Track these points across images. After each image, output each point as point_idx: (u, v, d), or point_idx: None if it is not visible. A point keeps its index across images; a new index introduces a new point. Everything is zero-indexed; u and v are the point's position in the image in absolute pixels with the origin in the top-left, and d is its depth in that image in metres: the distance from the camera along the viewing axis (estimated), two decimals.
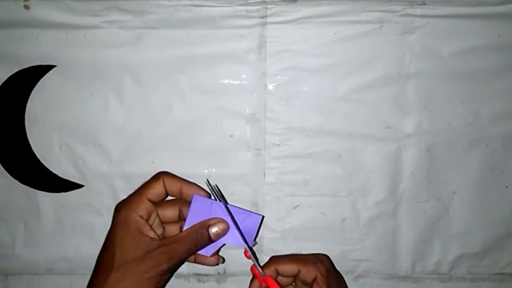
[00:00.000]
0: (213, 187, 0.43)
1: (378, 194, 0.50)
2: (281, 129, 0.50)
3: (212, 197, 0.43)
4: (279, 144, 0.50)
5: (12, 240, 0.51)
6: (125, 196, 0.42)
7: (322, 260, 0.43)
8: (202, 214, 0.42)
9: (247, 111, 0.50)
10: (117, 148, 0.50)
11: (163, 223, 0.43)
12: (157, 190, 0.41)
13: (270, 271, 0.42)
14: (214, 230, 0.41)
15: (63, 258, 0.51)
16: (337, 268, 0.47)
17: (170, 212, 0.43)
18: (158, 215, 0.42)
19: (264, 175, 0.50)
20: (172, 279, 0.51)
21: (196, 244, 0.41)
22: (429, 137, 0.50)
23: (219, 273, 0.51)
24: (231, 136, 0.50)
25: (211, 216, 0.42)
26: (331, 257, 0.45)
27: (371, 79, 0.50)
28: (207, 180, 0.43)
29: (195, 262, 0.45)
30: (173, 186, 0.42)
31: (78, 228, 0.51)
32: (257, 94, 0.50)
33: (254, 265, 0.42)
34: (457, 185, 0.50)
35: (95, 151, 0.50)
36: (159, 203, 0.42)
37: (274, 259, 0.43)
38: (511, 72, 0.50)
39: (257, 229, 0.44)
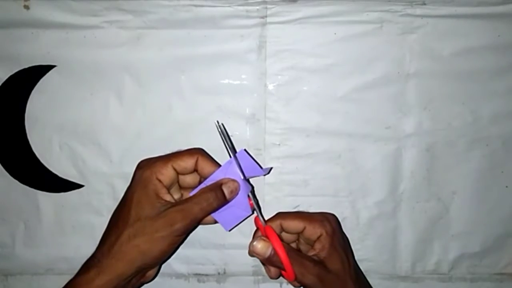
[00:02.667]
0: (221, 129, 0.43)
1: (378, 194, 0.50)
2: (281, 129, 0.50)
3: (221, 138, 0.43)
4: (279, 144, 0.50)
5: (12, 240, 0.51)
6: None
7: (329, 219, 0.42)
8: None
9: (247, 111, 0.50)
10: (117, 148, 0.50)
11: (181, 188, 0.43)
12: (186, 164, 0.41)
13: (274, 225, 0.42)
14: (227, 188, 0.41)
15: (63, 258, 0.51)
16: None
17: (190, 178, 0.43)
18: (178, 181, 0.42)
19: (264, 175, 0.50)
20: (172, 279, 0.51)
21: (210, 202, 0.40)
22: (429, 137, 0.50)
23: (219, 273, 0.51)
24: (231, 136, 0.50)
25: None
26: None
27: (371, 79, 0.50)
28: (217, 122, 0.43)
29: (216, 222, 0.44)
30: (205, 169, 0.42)
31: (78, 228, 0.51)
32: (257, 94, 0.50)
33: (257, 216, 0.42)
34: (457, 185, 0.50)
35: (95, 151, 0.50)
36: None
37: (280, 215, 0.43)
38: (511, 72, 0.50)
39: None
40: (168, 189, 0.41)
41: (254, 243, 0.40)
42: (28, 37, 0.50)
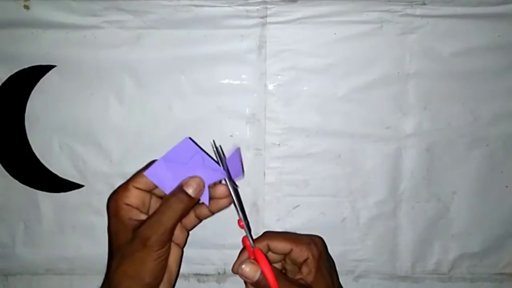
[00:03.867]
0: (217, 148, 0.42)
1: (378, 194, 0.50)
2: (281, 129, 0.50)
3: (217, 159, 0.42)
4: (279, 144, 0.50)
5: (12, 240, 0.51)
6: None
7: (316, 243, 0.42)
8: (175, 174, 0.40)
9: (247, 111, 0.50)
10: (117, 148, 0.50)
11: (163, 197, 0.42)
12: (145, 178, 0.40)
13: (261, 246, 0.42)
14: (190, 189, 0.39)
15: (63, 258, 0.51)
16: (337, 268, 0.47)
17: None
18: (156, 196, 0.41)
19: (264, 175, 0.50)
20: None
21: (174, 208, 0.39)
22: (429, 137, 0.50)
23: (219, 273, 0.51)
24: (231, 136, 0.50)
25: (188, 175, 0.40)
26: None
27: (371, 79, 0.50)
28: (213, 141, 0.42)
29: (198, 218, 0.43)
30: None
31: (78, 228, 0.51)
32: (257, 94, 0.50)
33: (245, 236, 0.42)
34: (457, 185, 0.50)
35: (95, 151, 0.50)
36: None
37: (267, 235, 0.43)
38: (511, 72, 0.50)
39: (240, 162, 0.44)
40: (143, 209, 0.40)
41: (243, 266, 0.40)
42: (28, 37, 0.50)
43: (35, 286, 0.51)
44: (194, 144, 0.41)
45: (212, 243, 0.51)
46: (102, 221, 0.50)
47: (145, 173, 0.40)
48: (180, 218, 0.40)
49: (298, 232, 0.50)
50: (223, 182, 0.41)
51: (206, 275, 0.51)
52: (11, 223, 0.51)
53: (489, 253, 0.51)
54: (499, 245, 0.51)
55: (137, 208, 0.40)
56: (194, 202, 0.40)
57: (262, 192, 0.50)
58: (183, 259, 0.51)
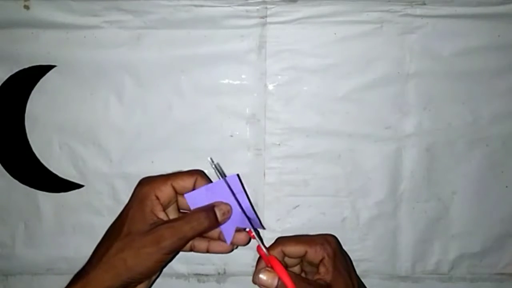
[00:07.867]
0: (216, 166, 0.42)
1: (378, 194, 0.50)
2: (281, 129, 0.50)
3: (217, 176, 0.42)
4: (279, 144, 0.50)
5: (12, 240, 0.51)
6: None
7: (329, 242, 0.42)
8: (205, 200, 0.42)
9: (247, 111, 0.50)
10: (117, 148, 0.50)
11: (180, 210, 0.43)
12: (185, 183, 0.41)
13: (276, 252, 0.42)
14: (219, 210, 0.41)
15: (63, 258, 0.51)
16: None
17: None
18: (177, 202, 0.42)
19: (264, 175, 0.50)
20: (172, 279, 0.51)
21: (201, 222, 0.40)
22: (429, 137, 0.50)
23: (219, 273, 0.51)
24: (231, 136, 0.50)
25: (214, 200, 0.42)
26: None
27: (371, 79, 0.50)
28: (211, 158, 0.42)
29: (208, 251, 0.44)
30: None
31: (78, 228, 0.51)
32: (257, 94, 0.50)
33: (259, 246, 0.42)
34: (457, 185, 0.50)
35: (95, 151, 0.50)
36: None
37: (280, 240, 0.43)
38: (511, 72, 0.50)
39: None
40: (165, 207, 0.41)
41: (260, 275, 0.40)
42: (28, 37, 0.50)
43: (35, 286, 0.51)
44: (240, 184, 0.42)
45: None
46: (102, 221, 0.50)
47: (186, 195, 0.41)
48: (199, 234, 0.40)
49: (298, 232, 0.50)
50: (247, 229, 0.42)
51: (206, 275, 0.51)
52: (11, 223, 0.51)
53: (489, 253, 0.51)
54: (499, 245, 0.51)
55: (162, 205, 0.40)
56: (216, 226, 0.41)
57: (262, 192, 0.50)
58: (183, 259, 0.51)
